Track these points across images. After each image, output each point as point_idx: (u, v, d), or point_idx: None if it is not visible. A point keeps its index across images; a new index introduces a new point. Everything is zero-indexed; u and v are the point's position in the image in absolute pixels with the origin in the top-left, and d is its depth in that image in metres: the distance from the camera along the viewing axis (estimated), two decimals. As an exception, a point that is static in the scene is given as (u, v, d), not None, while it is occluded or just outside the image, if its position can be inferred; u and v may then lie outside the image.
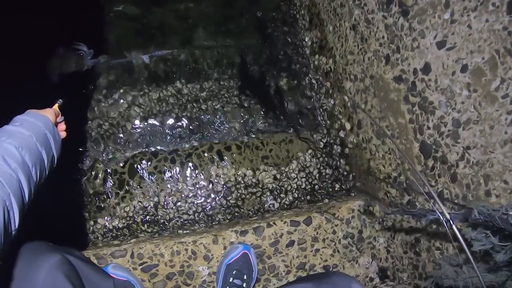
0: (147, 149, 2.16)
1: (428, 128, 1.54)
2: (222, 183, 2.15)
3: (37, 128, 1.11)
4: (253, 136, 2.26)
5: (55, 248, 1.21)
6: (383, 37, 1.73)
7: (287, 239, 1.80)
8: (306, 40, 2.51)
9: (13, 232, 0.89)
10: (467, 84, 1.35)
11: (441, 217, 1.10)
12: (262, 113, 2.32)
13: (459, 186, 1.45)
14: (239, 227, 1.78)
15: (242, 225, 1.80)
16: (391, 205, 1.84)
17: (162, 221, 2.05)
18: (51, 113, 1.24)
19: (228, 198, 2.12)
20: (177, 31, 2.40)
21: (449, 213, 1.19)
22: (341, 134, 2.21)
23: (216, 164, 2.17)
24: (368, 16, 1.82)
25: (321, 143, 2.31)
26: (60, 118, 1.34)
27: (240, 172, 2.17)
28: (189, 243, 1.74)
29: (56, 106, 1.37)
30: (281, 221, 1.80)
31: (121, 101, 2.21)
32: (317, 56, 2.41)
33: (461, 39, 1.35)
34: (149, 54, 2.31)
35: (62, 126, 1.34)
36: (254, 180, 2.17)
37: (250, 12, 2.52)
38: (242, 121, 2.29)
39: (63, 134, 1.31)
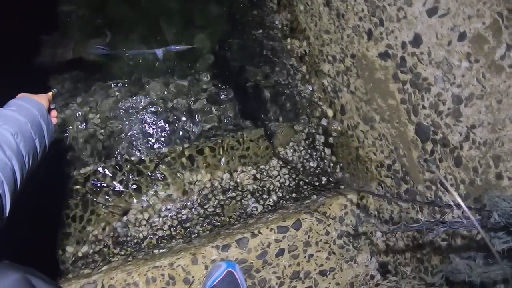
0: (109, 162, 1.93)
1: (424, 107, 1.40)
2: (197, 190, 1.93)
3: (32, 116, 1.11)
4: (227, 134, 2.04)
5: (14, 267, 1.04)
6: (362, 10, 1.59)
7: (275, 248, 1.61)
8: (276, 23, 2.31)
9: (4, 220, 0.90)
10: (467, 54, 1.22)
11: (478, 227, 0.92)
12: (235, 107, 2.12)
13: (465, 171, 1.31)
14: (220, 241, 1.58)
15: (223, 237, 1.60)
16: (386, 196, 1.67)
17: (135, 241, 1.83)
18: (45, 100, 1.24)
19: (206, 207, 1.92)
20: (140, 26, 2.21)
21: (463, 220, 1.04)
22: (323, 122, 2.04)
23: (188, 170, 1.95)
24: (342, -12, 1.64)
25: (303, 134, 2.11)
26: (52, 105, 1.33)
27: (216, 176, 1.97)
28: (165, 266, 1.54)
29: (50, 94, 1.35)
30: (267, 228, 1.61)
31: (75, 108, 2.00)
32: (289, 40, 2.25)
33: (455, 3, 1.21)
34: (163, 48, 2.13)
35: (54, 113, 1.32)
36: (232, 184, 1.97)
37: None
38: (214, 118, 2.10)
39: (54, 121, 1.29)
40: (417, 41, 1.35)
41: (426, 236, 1.13)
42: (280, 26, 2.27)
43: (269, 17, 2.33)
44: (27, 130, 1.04)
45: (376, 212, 1.76)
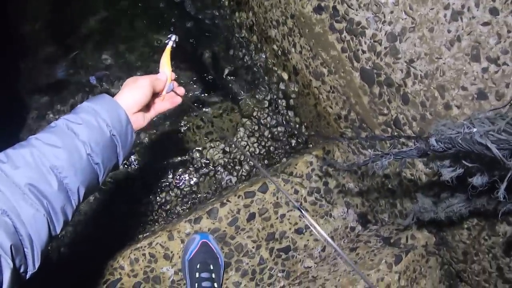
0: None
1: (363, 52, 1.29)
2: (171, 172, 1.82)
3: (100, 133, 0.79)
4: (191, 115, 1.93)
5: None
6: (290, -33, 1.45)
7: (246, 213, 1.52)
8: (223, 0, 2.18)
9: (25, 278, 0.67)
10: (391, -11, 1.11)
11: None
12: (196, 86, 1.99)
13: (414, 107, 1.22)
14: (192, 216, 1.49)
15: (196, 212, 1.51)
16: (349, 146, 1.57)
17: (117, 230, 1.73)
18: (140, 94, 0.89)
19: (182, 187, 1.81)
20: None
21: (403, 150, 0.94)
22: (282, 86, 1.93)
23: (158, 154, 1.84)
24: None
25: (265, 101, 2.00)
26: (169, 85, 0.99)
27: (186, 156, 1.86)
28: (145, 246, 1.46)
29: (165, 59, 1.01)
30: (235, 195, 1.51)
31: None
32: (237, 14, 2.11)
33: None
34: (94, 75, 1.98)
35: (178, 91, 1.02)
36: (203, 161, 1.86)
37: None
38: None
39: (174, 102, 1.02)
40: (343, -13, 1.24)
41: (374, 169, 1.01)
42: (226, 2, 2.14)
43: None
44: (81, 158, 0.75)
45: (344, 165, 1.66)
